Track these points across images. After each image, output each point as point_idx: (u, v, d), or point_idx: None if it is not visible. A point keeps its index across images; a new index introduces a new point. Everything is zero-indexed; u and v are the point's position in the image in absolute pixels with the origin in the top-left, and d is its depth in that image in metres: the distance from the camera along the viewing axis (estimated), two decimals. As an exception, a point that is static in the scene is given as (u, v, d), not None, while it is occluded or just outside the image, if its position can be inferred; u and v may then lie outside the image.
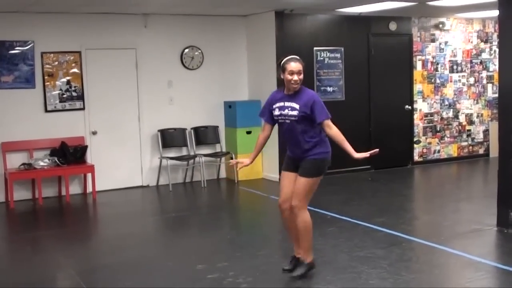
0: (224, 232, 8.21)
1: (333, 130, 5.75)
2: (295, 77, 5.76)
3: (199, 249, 7.26)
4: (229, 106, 11.54)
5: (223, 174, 11.82)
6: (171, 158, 10.96)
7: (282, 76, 5.87)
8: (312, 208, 8.76)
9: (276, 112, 5.92)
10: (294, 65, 5.77)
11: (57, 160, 10.06)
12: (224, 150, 11.68)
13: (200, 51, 11.41)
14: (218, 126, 11.65)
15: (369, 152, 5.69)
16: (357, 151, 5.75)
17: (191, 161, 11.27)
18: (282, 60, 5.89)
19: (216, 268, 6.30)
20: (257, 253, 6.84)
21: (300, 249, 6.05)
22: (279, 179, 6.26)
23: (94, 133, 10.64)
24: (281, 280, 5.97)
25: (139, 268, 6.59)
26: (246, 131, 11.42)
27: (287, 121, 5.85)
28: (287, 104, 5.84)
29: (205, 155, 11.26)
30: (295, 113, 5.78)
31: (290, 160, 6.02)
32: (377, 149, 5.75)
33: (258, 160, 11.55)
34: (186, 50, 11.31)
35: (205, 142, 11.54)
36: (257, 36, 11.58)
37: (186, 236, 8.11)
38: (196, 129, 11.44)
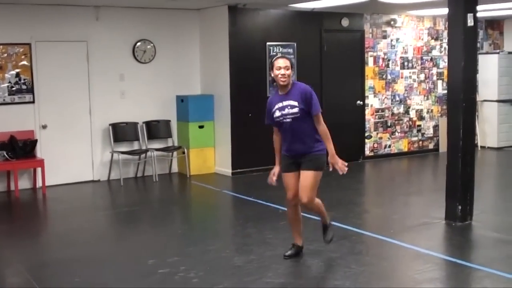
0: (175, 227, 8.19)
1: (322, 126, 6.04)
2: (282, 71, 5.94)
3: (150, 244, 7.22)
4: (182, 100, 11.50)
5: (175, 169, 11.77)
6: (123, 153, 10.88)
7: (272, 74, 6.04)
8: (264, 203, 8.85)
9: (277, 114, 6.03)
10: (281, 61, 5.99)
11: (6, 154, 9.89)
12: (176, 144, 11.63)
13: (152, 44, 11.34)
14: (170, 120, 11.60)
15: (339, 168, 6.06)
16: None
17: (143, 155, 11.20)
18: (271, 60, 6.10)
19: (167, 263, 6.29)
20: (209, 248, 6.84)
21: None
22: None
23: (44, 127, 10.50)
24: (233, 274, 5.99)
25: (90, 263, 6.54)
26: (199, 125, 11.40)
27: (288, 119, 5.99)
28: (285, 103, 6.00)
29: (157, 150, 11.21)
30: (295, 110, 5.97)
31: (290, 160, 6.12)
32: (346, 169, 6.10)
33: (211, 155, 11.57)
34: (138, 44, 11.23)
35: (157, 136, 11.47)
36: (210, 30, 11.55)
37: (137, 231, 8.07)
38: (148, 123, 11.37)
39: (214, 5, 11.08)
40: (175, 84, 11.63)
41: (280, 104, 6.02)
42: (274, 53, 11.35)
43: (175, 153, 11.57)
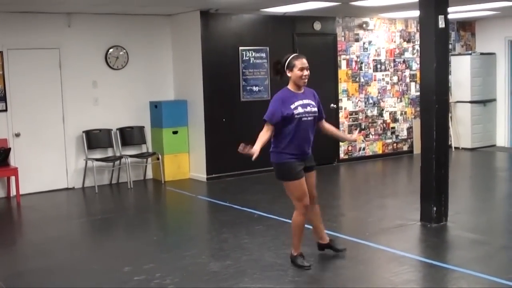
0: (150, 234, 8.14)
1: (328, 124, 6.44)
2: (305, 72, 5.95)
3: (125, 251, 7.18)
4: (155, 106, 11.46)
5: (149, 175, 11.71)
6: (97, 160, 10.81)
7: (289, 74, 6.01)
8: (239, 207, 8.83)
9: (300, 110, 5.94)
10: (305, 61, 5.99)
11: (-22, 163, 9.81)
12: (150, 150, 11.58)
13: (125, 50, 11.29)
14: (144, 127, 11.55)
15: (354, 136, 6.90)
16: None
17: (117, 162, 11.13)
18: (288, 58, 6.03)
19: (142, 270, 6.26)
20: (184, 254, 6.81)
21: (322, 232, 6.57)
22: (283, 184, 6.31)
23: (17, 135, 10.40)
24: (209, 280, 5.96)
25: (66, 271, 6.49)
26: (172, 131, 11.36)
27: (310, 118, 6.01)
28: (305, 101, 6.01)
29: (131, 156, 11.15)
30: (315, 109, 6.04)
31: (299, 164, 6.07)
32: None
33: (185, 160, 11.53)
34: (111, 50, 11.18)
35: (131, 142, 11.41)
36: (182, 35, 11.52)
37: (112, 238, 8.02)
38: (121, 130, 11.31)
39: (186, 11, 11.06)
40: (148, 90, 11.58)
41: (301, 102, 5.96)
42: (247, 58, 11.37)
43: (149, 159, 11.52)
